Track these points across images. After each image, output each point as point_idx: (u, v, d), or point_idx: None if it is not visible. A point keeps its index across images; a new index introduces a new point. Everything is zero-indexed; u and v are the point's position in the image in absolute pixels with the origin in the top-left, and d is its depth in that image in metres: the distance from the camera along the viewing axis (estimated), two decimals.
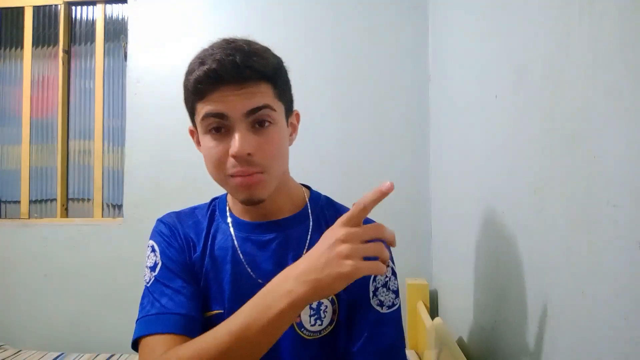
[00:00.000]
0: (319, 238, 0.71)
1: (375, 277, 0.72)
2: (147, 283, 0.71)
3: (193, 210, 0.80)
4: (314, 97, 1.72)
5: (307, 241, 0.73)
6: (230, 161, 0.64)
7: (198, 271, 0.73)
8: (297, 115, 0.77)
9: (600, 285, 0.49)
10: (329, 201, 0.81)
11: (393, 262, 0.76)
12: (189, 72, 0.65)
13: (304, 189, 0.81)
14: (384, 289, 0.73)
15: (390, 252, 0.74)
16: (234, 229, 0.75)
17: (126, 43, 1.89)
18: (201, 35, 1.81)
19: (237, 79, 0.62)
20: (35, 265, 1.85)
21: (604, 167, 0.48)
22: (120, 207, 1.94)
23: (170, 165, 1.80)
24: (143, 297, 0.70)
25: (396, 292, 0.74)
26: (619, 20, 0.46)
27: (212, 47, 0.65)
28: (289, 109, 0.72)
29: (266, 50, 0.68)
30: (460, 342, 1.11)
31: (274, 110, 0.65)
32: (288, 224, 0.74)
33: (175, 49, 1.82)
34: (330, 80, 1.75)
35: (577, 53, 0.54)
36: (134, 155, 1.83)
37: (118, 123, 1.97)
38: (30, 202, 1.99)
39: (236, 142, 0.62)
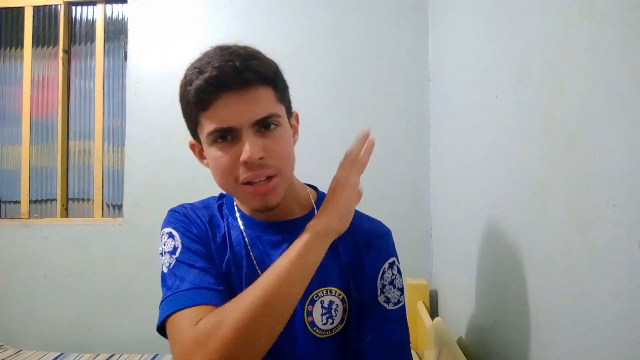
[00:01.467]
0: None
1: (382, 275, 0.74)
2: (168, 266, 0.66)
3: (204, 203, 0.79)
4: (314, 97, 1.72)
5: None
6: (242, 168, 0.63)
7: (220, 260, 0.72)
8: (297, 116, 0.77)
9: (600, 285, 0.49)
10: None
11: (398, 261, 0.77)
12: (187, 84, 0.64)
13: (309, 189, 0.81)
14: (391, 287, 0.74)
15: (396, 255, 0.77)
16: (245, 227, 0.74)
17: (126, 43, 1.89)
18: (201, 35, 1.83)
19: (239, 83, 0.61)
20: (35, 265, 1.85)
21: (604, 167, 0.48)
22: (120, 207, 1.94)
23: (170, 165, 1.80)
24: (165, 280, 0.65)
25: (401, 290, 0.76)
26: (619, 20, 0.46)
27: (206, 55, 0.63)
28: (289, 111, 0.72)
29: (260, 52, 0.67)
30: (460, 342, 1.11)
31: (279, 115, 0.65)
32: (298, 225, 0.72)
33: (175, 49, 1.82)
34: (330, 80, 1.75)
35: (577, 53, 0.55)
36: (134, 155, 1.83)
37: (118, 123, 1.97)
38: (30, 202, 1.99)
39: (247, 148, 0.61)
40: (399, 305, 0.74)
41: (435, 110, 1.61)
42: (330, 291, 0.72)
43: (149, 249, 1.83)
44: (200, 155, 0.72)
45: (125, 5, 1.96)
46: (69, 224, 1.89)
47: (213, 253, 0.72)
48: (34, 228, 1.88)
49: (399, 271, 0.76)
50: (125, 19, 1.97)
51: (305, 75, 1.73)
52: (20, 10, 2.03)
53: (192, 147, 0.74)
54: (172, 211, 0.76)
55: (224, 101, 0.61)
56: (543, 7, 0.65)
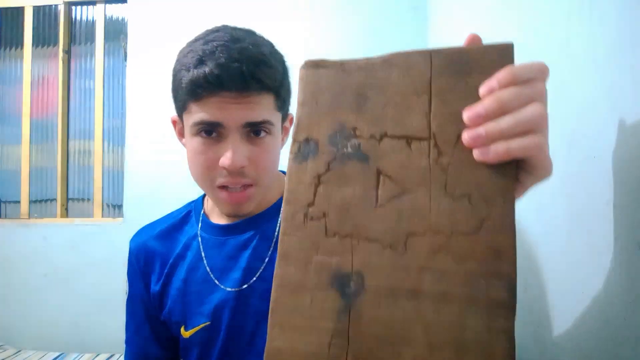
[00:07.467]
0: None
1: None
2: (126, 295, 0.76)
3: (168, 220, 0.77)
4: None
5: (276, 232, 0.68)
6: (220, 171, 0.60)
7: (164, 295, 0.70)
8: (292, 119, 0.71)
9: (600, 285, 0.49)
10: None
11: None
12: (184, 67, 0.60)
13: (284, 176, 0.76)
14: None
15: None
16: (206, 235, 0.71)
17: (126, 43, 1.89)
18: None
19: (240, 89, 0.56)
20: (35, 265, 1.85)
21: (604, 167, 0.48)
22: (120, 207, 1.94)
23: (170, 165, 1.80)
24: (126, 311, 0.76)
25: None
26: (619, 20, 0.46)
27: (213, 40, 0.58)
28: (285, 115, 0.68)
29: (273, 53, 0.62)
30: None
31: (272, 124, 0.61)
32: (264, 217, 0.69)
33: (175, 48, 1.81)
34: None
35: (577, 53, 0.54)
36: (134, 155, 1.83)
37: (118, 123, 1.97)
38: (30, 202, 1.99)
39: (229, 154, 0.57)
40: None
41: None
42: None
43: None
44: (180, 134, 0.68)
45: (125, 5, 1.95)
46: (69, 224, 1.89)
47: (164, 286, 0.70)
48: (34, 228, 1.88)
49: None
50: (125, 19, 1.96)
51: None
52: (20, 10, 2.03)
53: (174, 123, 0.70)
54: (130, 243, 0.77)
55: (219, 100, 0.57)
56: (543, 7, 0.65)
